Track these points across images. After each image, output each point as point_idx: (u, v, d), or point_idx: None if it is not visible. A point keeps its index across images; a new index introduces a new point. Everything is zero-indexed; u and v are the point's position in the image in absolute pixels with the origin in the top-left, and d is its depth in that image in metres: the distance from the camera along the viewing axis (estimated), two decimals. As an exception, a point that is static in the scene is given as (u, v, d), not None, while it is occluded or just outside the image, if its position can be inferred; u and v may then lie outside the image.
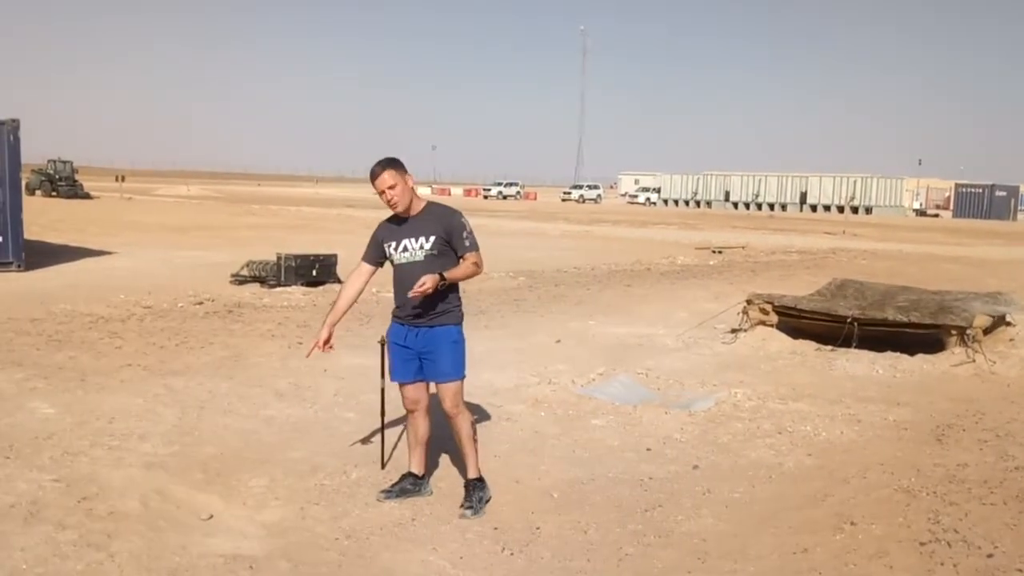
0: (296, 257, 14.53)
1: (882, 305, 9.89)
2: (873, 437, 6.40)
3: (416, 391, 5.09)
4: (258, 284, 14.49)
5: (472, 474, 5.07)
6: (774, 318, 10.39)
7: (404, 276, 4.92)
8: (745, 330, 10.48)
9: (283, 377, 7.86)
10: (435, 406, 5.21)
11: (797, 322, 10.25)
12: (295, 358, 8.74)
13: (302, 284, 14.22)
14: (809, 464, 5.80)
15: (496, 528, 4.65)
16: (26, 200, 17.91)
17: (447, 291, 4.89)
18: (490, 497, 5.00)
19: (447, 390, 4.97)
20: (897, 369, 8.81)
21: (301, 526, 4.65)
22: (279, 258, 14.52)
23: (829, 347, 9.77)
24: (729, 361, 9.34)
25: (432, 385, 5.12)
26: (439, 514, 4.84)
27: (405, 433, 5.27)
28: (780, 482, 5.49)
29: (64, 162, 51.43)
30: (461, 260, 4.86)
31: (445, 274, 4.77)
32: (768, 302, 10.42)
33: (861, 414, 6.97)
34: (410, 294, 4.74)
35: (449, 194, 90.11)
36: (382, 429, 5.51)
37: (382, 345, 5.37)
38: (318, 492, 5.12)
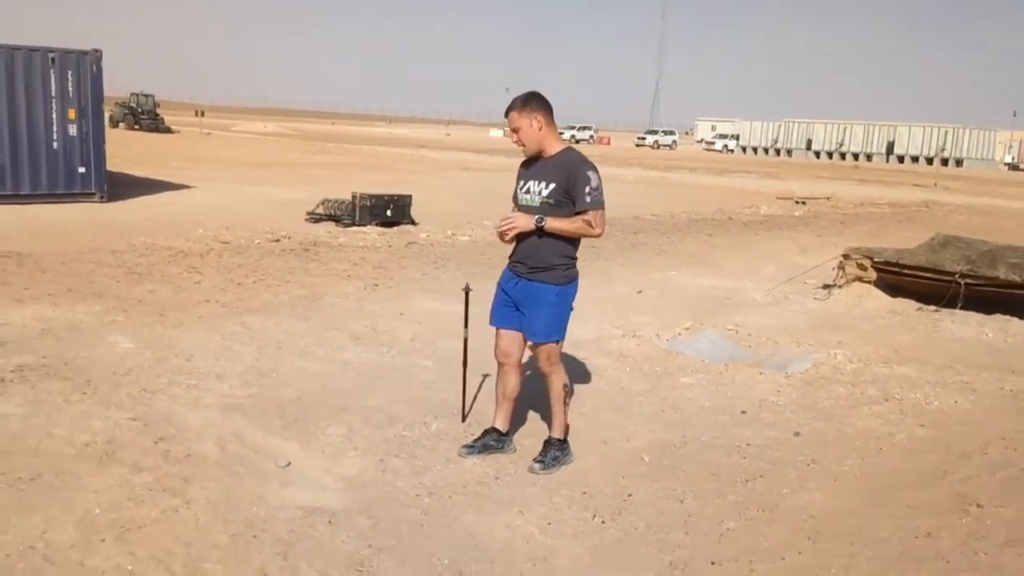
0: (371, 197, 14.33)
1: (993, 263, 9.20)
2: (990, 408, 5.91)
3: (509, 342, 4.78)
4: (333, 223, 14.36)
5: (556, 434, 4.78)
6: (872, 274, 9.81)
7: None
8: (840, 286, 9.95)
9: (359, 319, 7.67)
10: (529, 364, 4.92)
11: (897, 279, 9.67)
12: (371, 300, 8.54)
13: (376, 224, 14.04)
14: (922, 436, 5.36)
15: (585, 492, 4.37)
16: (109, 133, 18.07)
17: (555, 245, 4.49)
18: (569, 462, 4.71)
19: (540, 350, 4.68)
20: (1008, 333, 8.22)
21: (381, 480, 4.43)
22: (354, 197, 14.35)
23: (932, 307, 9.20)
24: (823, 319, 8.84)
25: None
26: (524, 474, 4.58)
27: (495, 386, 4.99)
28: (892, 455, 5.08)
29: (146, 96, 52.23)
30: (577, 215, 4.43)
31: (546, 221, 4.41)
32: (867, 257, 9.83)
33: (975, 382, 6.46)
34: (495, 228, 4.42)
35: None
36: (464, 381, 5.25)
37: (466, 293, 5.07)
38: (397, 444, 4.90)
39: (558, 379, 4.71)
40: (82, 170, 15.99)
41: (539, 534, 3.94)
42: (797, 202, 23.96)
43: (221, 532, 3.78)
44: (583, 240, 4.61)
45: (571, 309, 4.69)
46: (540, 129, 4.50)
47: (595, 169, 4.48)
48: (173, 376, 5.82)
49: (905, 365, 6.96)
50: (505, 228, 4.46)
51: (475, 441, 4.93)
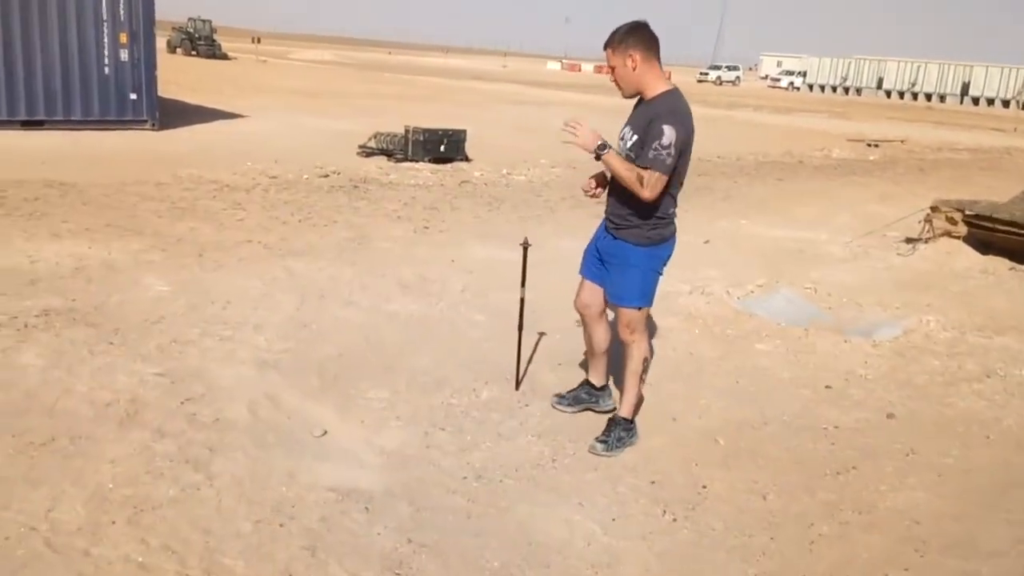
0: (424, 131, 13.76)
1: (1100, 221, 8.36)
2: (1109, 392, 5.25)
3: (590, 294, 4.33)
4: (384, 157, 13.86)
5: (625, 413, 4.27)
6: (962, 229, 9.03)
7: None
8: (926, 241, 9.18)
9: (408, 266, 7.19)
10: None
11: (989, 235, 8.87)
12: (421, 244, 8.06)
13: (429, 160, 13.49)
14: (1034, 423, 4.74)
15: (654, 482, 3.87)
16: (166, 59, 17.79)
17: (637, 201, 3.89)
18: (634, 443, 4.21)
19: (620, 315, 4.17)
20: (1117, 301, 7.44)
21: (424, 456, 3.98)
22: (407, 131, 13.79)
23: (1028, 268, 8.41)
24: (909, 277, 8.13)
25: None
26: (584, 456, 4.09)
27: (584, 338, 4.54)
28: (1002, 445, 4.48)
29: (204, 21, 51.86)
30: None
31: (608, 151, 3.83)
32: (957, 209, 9.04)
33: (1088, 359, 5.78)
34: (567, 124, 3.88)
35: (580, 70, 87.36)
36: (519, 346, 4.75)
37: (524, 249, 4.54)
38: (444, 413, 4.44)
39: (638, 351, 4.18)
40: (133, 96, 15.63)
41: (602, 533, 3.46)
42: (869, 145, 22.79)
43: (244, 518, 3.37)
44: None
45: (659, 274, 4.13)
46: (635, 69, 3.87)
47: (678, 123, 3.79)
48: (207, 326, 5.42)
49: (1004, 335, 6.28)
50: (568, 131, 3.87)
51: (568, 392, 4.58)
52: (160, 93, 16.16)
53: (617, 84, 3.95)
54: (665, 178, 3.78)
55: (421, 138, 13.65)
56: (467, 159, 14.13)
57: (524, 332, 4.83)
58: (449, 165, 13.41)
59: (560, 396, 4.60)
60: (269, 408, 4.37)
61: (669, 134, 3.73)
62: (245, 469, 3.74)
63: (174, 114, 17.17)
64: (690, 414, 4.64)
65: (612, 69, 3.90)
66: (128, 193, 9.52)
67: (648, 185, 3.75)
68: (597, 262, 4.26)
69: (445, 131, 14.16)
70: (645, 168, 3.75)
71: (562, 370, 5.14)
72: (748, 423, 4.57)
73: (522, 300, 4.64)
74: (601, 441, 4.17)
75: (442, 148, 13.85)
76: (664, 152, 3.72)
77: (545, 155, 15.28)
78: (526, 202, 10.73)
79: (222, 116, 18.49)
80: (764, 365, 5.49)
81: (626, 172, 3.81)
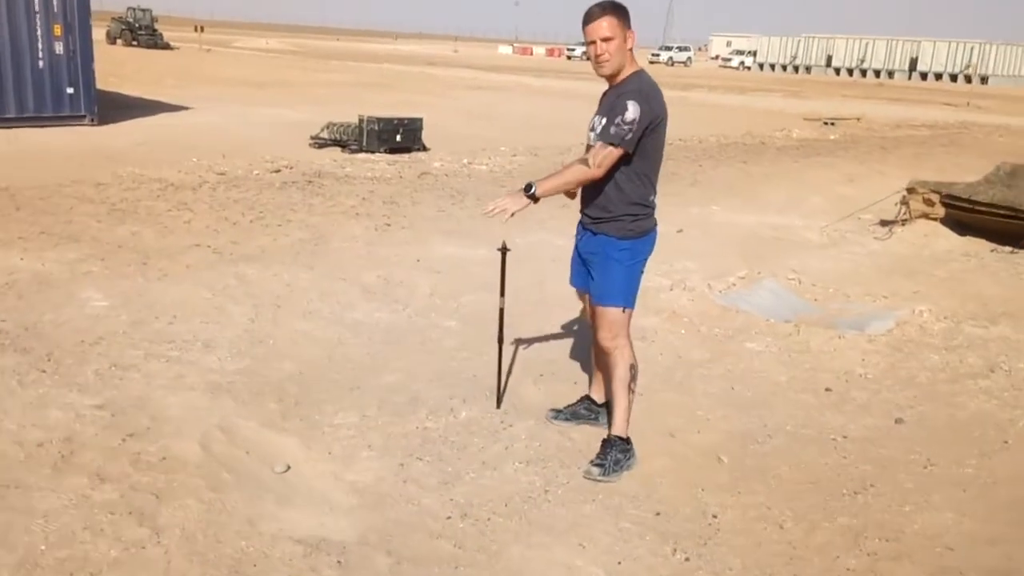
0: (379, 120, 13.23)
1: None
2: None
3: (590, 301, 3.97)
4: (339, 148, 13.32)
5: (617, 430, 3.88)
6: (940, 211, 8.81)
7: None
8: (901, 223, 8.94)
9: (370, 268, 6.72)
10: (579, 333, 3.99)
11: (968, 216, 8.66)
12: (383, 244, 7.58)
13: (385, 151, 12.98)
14: (1051, 423, 4.45)
15: (658, 513, 3.48)
16: (105, 50, 17.01)
17: (620, 190, 3.63)
18: (632, 465, 3.83)
19: (601, 316, 3.79)
20: (1104, 282, 7.24)
21: (402, 493, 3.55)
22: (361, 121, 13.26)
23: (1009, 248, 8.21)
24: (890, 263, 7.87)
25: None
26: (580, 484, 3.69)
27: (591, 352, 4.18)
28: (1020, 449, 4.18)
29: (144, 10, 50.23)
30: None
31: (536, 187, 3.58)
32: (935, 191, 8.80)
33: (1091, 349, 5.52)
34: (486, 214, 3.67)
35: (532, 54, 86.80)
36: (499, 360, 4.33)
37: (503, 253, 4.11)
38: (420, 439, 4.01)
39: (622, 359, 3.80)
40: (70, 91, 14.88)
41: (608, 580, 3.06)
42: (826, 123, 22.71)
43: (198, 583, 2.91)
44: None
45: (642, 271, 3.76)
46: (630, 46, 3.61)
47: (643, 100, 3.51)
48: (151, 345, 4.91)
49: (999, 323, 6.01)
50: (495, 214, 3.61)
51: (566, 407, 4.23)
52: (99, 86, 15.41)
53: (601, 60, 3.59)
54: (617, 152, 3.51)
55: (376, 127, 13.14)
56: (425, 148, 13.64)
57: (509, 350, 4.42)
58: (407, 156, 12.92)
59: (557, 411, 4.23)
60: (223, 441, 3.91)
61: (632, 110, 3.47)
62: (198, 519, 3.27)
63: (114, 108, 16.41)
64: (688, 428, 4.27)
65: (608, 40, 3.52)
66: (65, 195, 8.89)
67: (596, 160, 3.51)
68: (582, 267, 3.88)
69: (401, 120, 13.65)
70: (597, 144, 3.53)
71: (545, 382, 4.74)
72: (751, 436, 4.21)
73: (501, 311, 4.22)
74: (597, 465, 3.78)
75: (398, 138, 13.35)
76: (625, 127, 3.47)
77: (505, 142, 14.85)
78: (489, 194, 10.26)
79: (165, 109, 17.74)
80: (758, 367, 5.14)
81: (569, 176, 3.64)
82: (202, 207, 8.65)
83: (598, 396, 4.20)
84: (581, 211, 3.80)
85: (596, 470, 3.76)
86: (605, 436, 3.92)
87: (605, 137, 3.49)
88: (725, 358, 5.27)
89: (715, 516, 3.46)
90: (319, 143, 13.66)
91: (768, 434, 4.24)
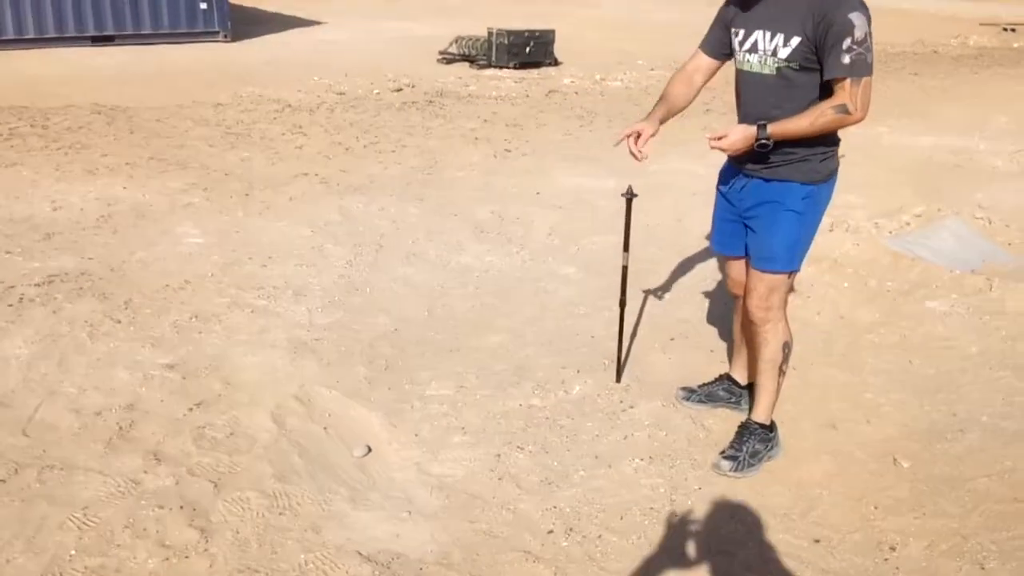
0: (509, 33, 12.42)
1: None
2: None
3: (738, 269, 3.20)
4: (466, 63, 12.63)
5: (761, 416, 3.15)
6: None
7: (748, 92, 2.93)
8: (1114, 151, 7.52)
9: (485, 201, 6.08)
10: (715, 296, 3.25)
11: None
12: (501, 173, 6.91)
13: (514, 66, 12.20)
14: None
15: (818, 541, 2.74)
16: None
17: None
18: (774, 456, 3.11)
19: (759, 281, 2.98)
20: None
21: (496, 495, 2.95)
22: (490, 34, 12.49)
23: None
24: (1101, 199, 6.58)
25: None
26: (715, 495, 2.97)
27: (733, 322, 3.42)
28: None
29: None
30: (832, 87, 2.68)
31: (769, 129, 2.71)
32: None
33: None
34: (710, 142, 2.80)
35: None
36: (620, 325, 3.62)
37: (628, 200, 3.35)
38: (523, 421, 3.38)
39: (774, 335, 3.02)
40: (204, 6, 14.76)
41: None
42: (1006, 29, 20.26)
43: (240, 614, 2.42)
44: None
45: (819, 223, 2.96)
46: None
47: (862, 6, 2.62)
48: (239, 292, 4.47)
49: None
50: (719, 147, 2.80)
51: (700, 387, 3.52)
52: (237, 1, 15.19)
53: None
54: (871, 82, 2.66)
55: (505, 41, 12.35)
56: (556, 63, 12.78)
57: (633, 317, 3.70)
58: (536, 71, 12.11)
59: (689, 391, 3.51)
60: (300, 414, 3.40)
61: (860, 24, 2.60)
62: (256, 520, 2.78)
63: (250, 23, 16.24)
64: (854, 417, 3.46)
65: None
66: (182, 117, 8.62)
67: (856, 105, 2.64)
68: (734, 226, 3.09)
69: (531, 32, 12.78)
70: (840, 81, 2.62)
71: (676, 348, 4.01)
72: (936, 430, 3.37)
73: (624, 269, 3.49)
74: (730, 458, 3.07)
75: (528, 51, 12.53)
76: (862, 49, 2.61)
77: (644, 55, 13.75)
78: (623, 114, 9.38)
79: (298, 24, 17.41)
80: (941, 334, 4.23)
81: (821, 123, 2.68)
82: (317, 131, 8.19)
83: (740, 376, 3.44)
84: (739, 157, 2.94)
85: (727, 463, 3.05)
86: (742, 422, 3.18)
87: (843, 71, 2.60)
88: (900, 321, 4.37)
89: (893, 549, 2.69)
90: (447, 58, 13.01)
91: (959, 428, 3.38)
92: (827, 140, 2.81)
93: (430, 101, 9.76)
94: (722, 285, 4.69)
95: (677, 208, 5.94)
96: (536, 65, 12.40)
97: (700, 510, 2.87)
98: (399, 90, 10.33)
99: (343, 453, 3.18)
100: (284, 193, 6.15)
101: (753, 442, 3.11)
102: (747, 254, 3.06)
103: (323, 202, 5.97)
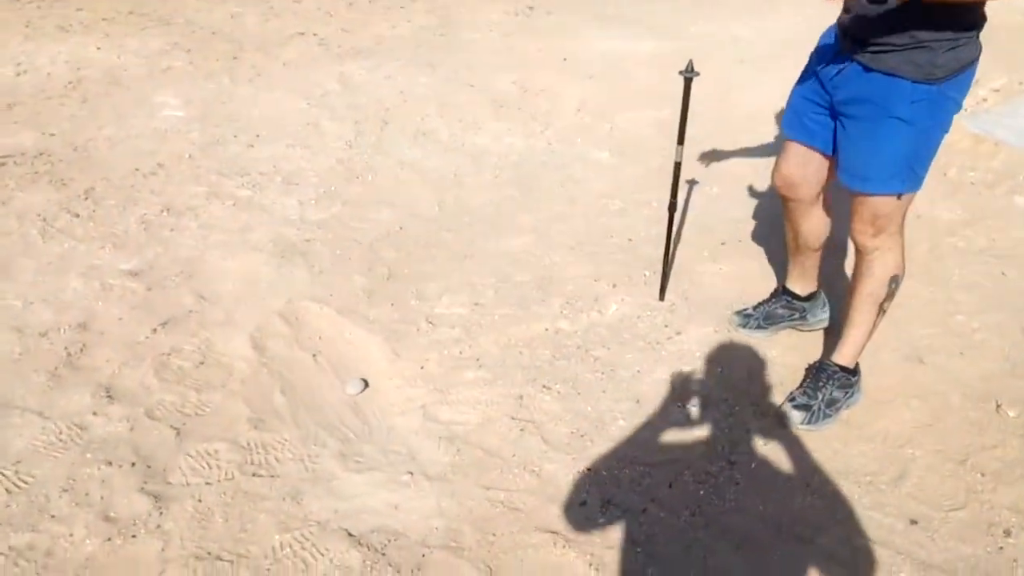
0: None
1: None
2: None
3: (800, 165, 2.51)
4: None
5: (843, 358, 2.57)
6: None
7: None
8: None
9: (505, 69, 5.34)
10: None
11: None
12: (523, 34, 6.11)
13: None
14: None
15: (914, 522, 2.21)
16: None
17: (932, 8, 2.01)
18: (850, 404, 2.56)
19: (861, 205, 2.32)
20: None
21: (516, 452, 2.43)
22: None
23: None
24: None
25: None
26: (778, 455, 2.43)
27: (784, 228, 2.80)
28: None
29: None
30: None
31: None
32: None
33: None
34: None
35: None
36: (668, 235, 3.00)
37: (687, 81, 2.66)
38: (551, 350, 2.83)
39: (882, 264, 2.38)
40: None
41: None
42: None
43: (196, 619, 1.94)
44: None
45: (946, 131, 2.22)
46: None
47: None
48: (220, 179, 3.86)
49: None
50: None
51: (756, 307, 2.93)
52: None
53: None
54: None
55: None
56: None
57: (684, 222, 3.07)
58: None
59: (745, 315, 2.92)
60: (285, 337, 2.87)
61: None
62: (224, 483, 2.28)
63: None
64: (943, 347, 2.89)
65: None
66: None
67: None
68: (820, 115, 2.39)
69: None
70: None
71: (727, 256, 3.40)
72: (1046, 370, 2.80)
73: (677, 166, 2.83)
74: (801, 407, 2.51)
75: None
76: None
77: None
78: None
79: None
80: (1040, 243, 3.59)
81: None
82: (317, -18, 7.31)
83: (799, 287, 2.86)
84: (847, 26, 2.20)
85: (798, 415, 2.50)
86: (817, 362, 2.62)
87: None
88: (986, 220, 3.73)
89: (1007, 534, 2.17)
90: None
91: (1073, 368, 2.81)
92: (965, 20, 2.05)
93: (444, -52, 8.76)
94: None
95: (722, 80, 5.18)
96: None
97: (766, 475, 2.34)
98: (410, -65, 9.29)
99: (334, 389, 2.66)
100: (277, 57, 5.43)
101: (831, 388, 2.55)
102: (834, 154, 2.40)
103: (321, 68, 5.25)
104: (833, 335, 2.76)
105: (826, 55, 2.30)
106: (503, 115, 4.68)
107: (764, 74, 5.27)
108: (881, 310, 2.45)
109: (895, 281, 2.39)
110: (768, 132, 4.49)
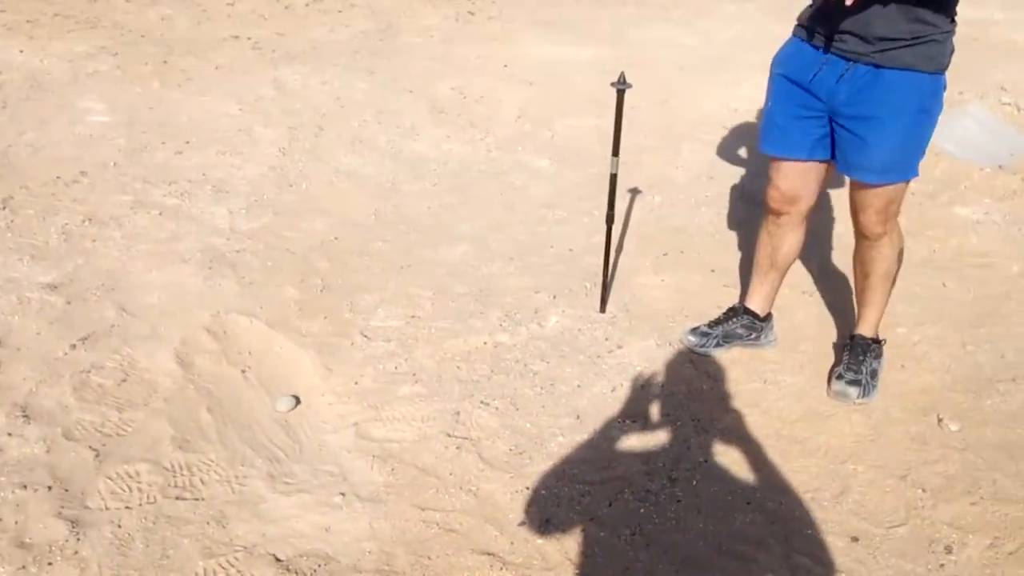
0: None
1: None
2: None
3: (797, 180, 2.55)
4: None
5: (869, 330, 2.72)
6: None
7: None
8: None
9: (445, 74, 5.27)
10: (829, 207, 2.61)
11: None
12: (464, 39, 6.04)
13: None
14: None
15: (856, 538, 2.19)
16: None
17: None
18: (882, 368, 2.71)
19: (876, 197, 2.41)
20: None
21: (453, 470, 2.35)
22: None
23: None
24: None
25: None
26: (722, 469, 2.40)
27: (756, 244, 2.80)
28: None
29: None
30: None
31: None
32: None
33: None
34: None
35: None
36: (607, 245, 2.96)
37: (620, 92, 2.63)
38: (489, 364, 2.76)
39: (891, 245, 2.53)
40: None
41: None
42: None
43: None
44: None
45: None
46: None
47: None
48: (146, 187, 3.72)
49: None
50: None
51: (712, 324, 2.88)
52: None
53: None
54: None
55: None
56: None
57: (621, 235, 3.03)
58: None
59: (702, 333, 2.86)
60: (213, 352, 2.75)
61: None
62: (145, 507, 2.16)
63: None
64: (885, 363, 2.88)
65: None
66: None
67: None
68: (811, 124, 2.41)
69: None
70: None
71: (669, 266, 3.38)
72: (984, 378, 2.81)
73: (613, 177, 2.80)
74: (853, 383, 2.63)
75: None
76: None
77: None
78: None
79: None
80: (975, 248, 3.64)
81: None
82: (253, -16, 7.15)
83: (761, 306, 2.85)
84: (827, 29, 2.25)
85: (854, 390, 2.62)
86: (852, 337, 2.72)
87: None
88: (926, 231, 3.77)
89: (949, 551, 2.15)
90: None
91: (1011, 375, 2.83)
92: (950, 9, 2.15)
93: (384, -48, 8.66)
94: (722, 184, 4.04)
95: (662, 86, 5.18)
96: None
97: (708, 492, 2.30)
98: (349, -61, 9.17)
99: (264, 406, 2.56)
100: (209, 60, 5.27)
101: (870, 360, 2.69)
102: (830, 160, 2.45)
103: (255, 72, 5.12)
104: (763, 353, 2.75)
105: (806, 62, 2.31)
106: (442, 121, 4.60)
107: (705, 81, 5.29)
108: (892, 281, 2.61)
109: (901, 253, 2.57)
110: (711, 140, 4.49)
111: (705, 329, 2.85)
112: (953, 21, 2.18)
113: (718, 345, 2.83)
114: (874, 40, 2.17)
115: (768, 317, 2.87)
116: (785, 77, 2.41)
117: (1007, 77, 5.71)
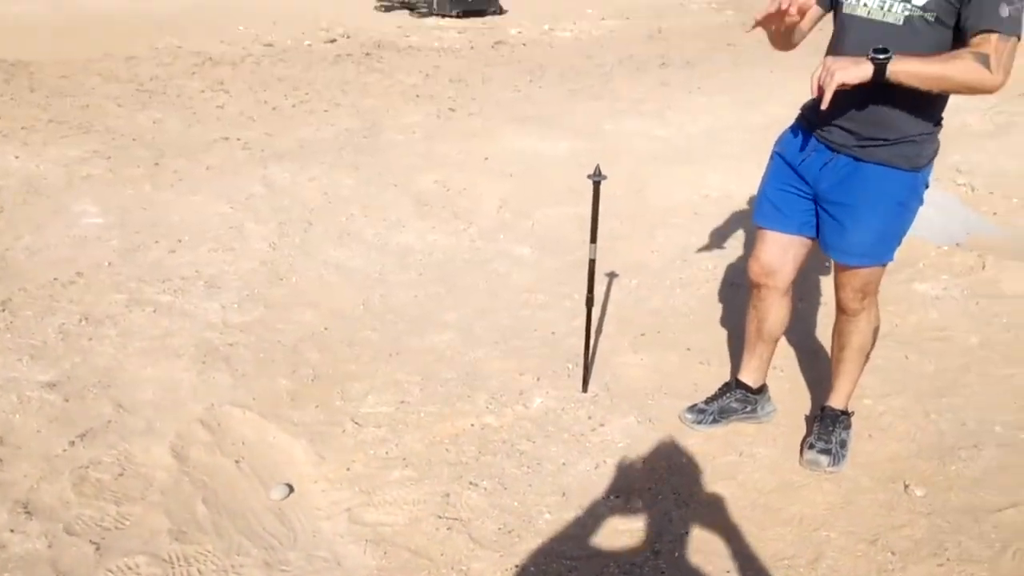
0: (452, -22, 11.68)
1: None
2: None
3: (778, 254, 2.72)
4: (407, 11, 11.87)
5: (840, 402, 2.87)
6: None
7: (854, 39, 2.31)
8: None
9: (428, 169, 5.49)
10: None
11: None
12: (445, 135, 6.29)
13: (457, 15, 11.47)
14: None
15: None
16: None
17: (914, 97, 2.23)
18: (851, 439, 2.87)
19: (854, 277, 2.60)
20: None
21: (443, 552, 2.43)
22: (430, -21, 11.73)
23: None
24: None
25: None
26: (704, 544, 2.49)
27: (747, 316, 2.94)
28: None
29: None
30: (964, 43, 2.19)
31: (892, 63, 2.12)
32: None
33: None
34: (818, 78, 2.16)
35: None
36: (587, 328, 3.10)
37: (596, 184, 2.81)
38: (477, 446, 2.86)
39: (868, 321, 2.72)
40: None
41: None
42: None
43: None
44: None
45: (920, 206, 2.54)
46: None
47: None
48: (140, 285, 3.85)
49: None
50: (825, 80, 2.13)
51: (709, 401, 3.00)
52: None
53: None
54: (1018, 44, 2.16)
55: (448, -14, 11.61)
56: (501, 11, 12.08)
57: (600, 316, 3.17)
58: (480, 20, 11.41)
59: (698, 411, 2.98)
60: (207, 444, 2.84)
61: None
62: (144, 597, 2.22)
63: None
64: (853, 434, 3.00)
65: None
66: (89, 73, 7.80)
67: (998, 62, 2.11)
68: (799, 204, 2.61)
69: (474, -22, 12.05)
70: (982, 35, 2.12)
71: (647, 346, 3.51)
72: (947, 446, 2.93)
73: (592, 263, 2.95)
74: (824, 452, 2.77)
75: (471, -1, 11.81)
76: (1020, 4, 2.12)
77: (593, 3, 13.09)
78: (575, 68, 8.79)
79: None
80: (935, 322, 3.80)
81: (952, 72, 2.13)
82: (240, 87, 7.46)
83: (754, 379, 2.98)
84: (829, 124, 2.43)
85: (825, 458, 2.76)
86: (824, 409, 2.88)
87: (990, 22, 2.11)
88: (887, 306, 3.91)
89: (916, 616, 2.24)
90: (386, 6, 12.25)
91: (972, 442, 2.95)
92: (933, 115, 2.35)
93: (367, 54, 9.03)
94: (696, 267, 4.20)
95: (636, 175, 5.41)
96: (480, 13, 11.69)
97: (689, 564, 2.39)
98: (333, 41, 9.57)
99: (258, 495, 2.63)
100: (200, 161, 5.48)
101: (839, 431, 2.83)
102: (814, 238, 2.64)
103: (245, 171, 5.32)
104: (739, 427, 2.86)
105: (800, 146, 2.52)
106: (426, 214, 4.79)
107: (678, 170, 5.52)
108: (866, 357, 2.76)
109: (876, 331, 2.73)
110: (683, 226, 4.68)
111: (701, 406, 2.98)
112: (938, 124, 2.37)
113: (715, 421, 2.95)
114: (856, 135, 2.37)
115: (762, 389, 2.99)
116: (781, 156, 2.61)
117: (962, 159, 5.98)
